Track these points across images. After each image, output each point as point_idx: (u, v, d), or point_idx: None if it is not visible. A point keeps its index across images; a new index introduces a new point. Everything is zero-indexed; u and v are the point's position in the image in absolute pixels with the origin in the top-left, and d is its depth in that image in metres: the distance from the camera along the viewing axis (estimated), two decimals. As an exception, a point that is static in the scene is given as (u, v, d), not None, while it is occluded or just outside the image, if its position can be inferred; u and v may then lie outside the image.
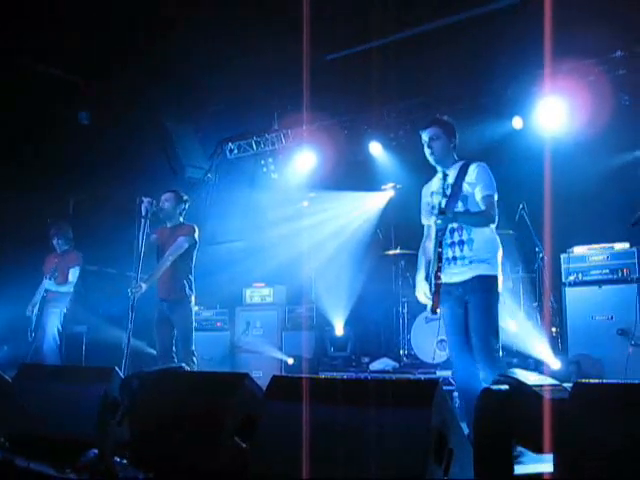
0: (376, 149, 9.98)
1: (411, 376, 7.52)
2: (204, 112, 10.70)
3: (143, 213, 6.41)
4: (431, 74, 9.14)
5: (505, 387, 3.13)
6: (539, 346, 7.34)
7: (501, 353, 4.76)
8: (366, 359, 8.92)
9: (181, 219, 6.73)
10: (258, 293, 9.85)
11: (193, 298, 6.58)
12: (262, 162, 10.76)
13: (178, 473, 3.44)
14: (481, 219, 4.81)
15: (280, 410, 3.23)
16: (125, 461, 3.68)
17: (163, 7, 8.20)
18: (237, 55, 9.05)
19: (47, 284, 8.04)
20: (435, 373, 7.77)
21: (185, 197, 6.79)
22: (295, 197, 10.60)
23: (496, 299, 4.73)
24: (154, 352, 6.81)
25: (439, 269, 4.72)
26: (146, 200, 6.44)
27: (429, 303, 4.75)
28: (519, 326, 7.78)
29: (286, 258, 9.36)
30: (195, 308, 6.71)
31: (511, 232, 8.47)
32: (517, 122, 8.98)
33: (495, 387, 3.14)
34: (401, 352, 8.63)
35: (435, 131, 5.01)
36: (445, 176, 4.90)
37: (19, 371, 4.78)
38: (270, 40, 8.52)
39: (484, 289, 4.71)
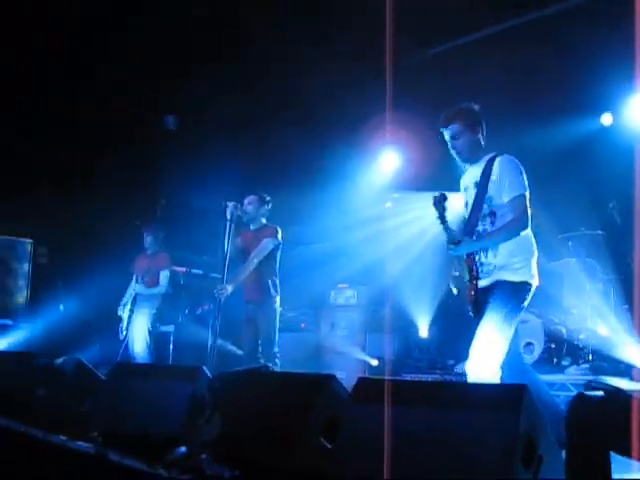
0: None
1: (438, 377, 7.39)
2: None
3: (228, 217, 6.51)
4: (519, 69, 8.97)
5: (600, 393, 3.02)
6: (631, 350, 7.09)
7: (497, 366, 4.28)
8: (451, 361, 8.81)
9: (264, 221, 6.80)
10: (342, 294, 9.85)
11: (278, 299, 6.64)
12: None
13: (263, 471, 3.47)
14: (507, 234, 4.38)
15: (365, 412, 3.22)
16: (211, 459, 3.73)
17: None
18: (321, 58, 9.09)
19: (138, 288, 8.21)
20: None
21: (267, 199, 6.86)
22: (379, 198, 10.57)
23: (513, 306, 4.34)
24: (240, 352, 6.91)
25: (472, 278, 4.51)
26: (231, 204, 6.54)
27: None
28: (610, 330, 7.55)
29: (370, 259, 9.33)
30: (279, 309, 6.76)
31: (600, 232, 8.25)
32: (607, 119, 8.74)
33: (590, 393, 3.04)
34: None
35: (457, 127, 4.63)
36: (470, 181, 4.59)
37: (112, 369, 4.93)
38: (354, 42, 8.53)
39: (501, 295, 4.37)
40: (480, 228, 4.54)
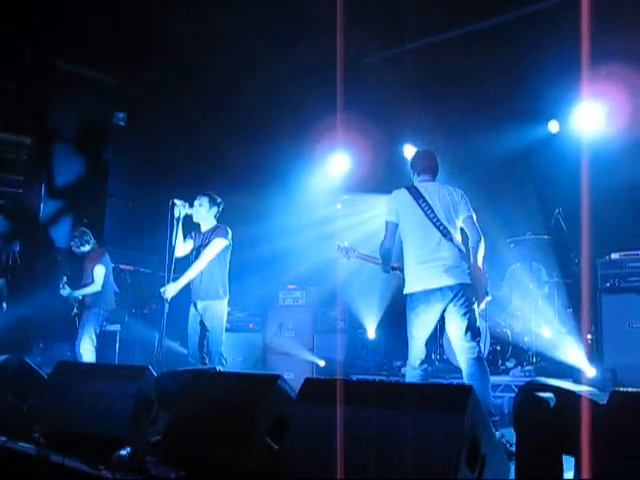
0: (410, 152, 9.94)
1: (443, 380, 7.46)
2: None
3: (175, 215, 6.47)
4: (468, 77, 9.10)
5: (550, 395, 3.07)
6: (574, 353, 7.25)
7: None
8: (398, 362, 8.88)
9: (215, 222, 6.77)
10: (291, 295, 9.85)
11: (226, 300, 6.61)
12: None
13: (209, 473, 3.46)
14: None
15: (312, 412, 3.23)
16: (157, 459, 3.70)
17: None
18: (270, 57, 9.09)
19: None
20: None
21: (219, 200, 6.82)
22: (329, 200, 10.60)
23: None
24: (186, 352, 6.86)
25: None
26: (178, 202, 6.49)
27: None
28: (553, 332, 7.71)
29: (320, 261, 9.35)
30: (227, 309, 6.74)
31: (546, 237, 8.40)
32: (554, 126, 8.91)
33: (542, 395, 3.08)
34: (433, 356, 8.56)
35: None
36: None
37: (55, 368, 4.84)
38: (304, 42, 8.54)
39: None
40: None
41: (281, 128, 10.27)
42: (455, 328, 5.01)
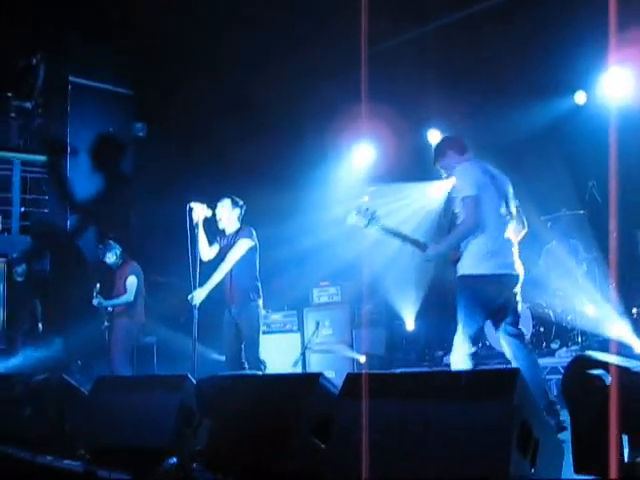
0: (435, 136, 9.87)
1: (487, 367, 7.41)
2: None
3: (195, 220, 6.47)
4: (489, 55, 9.00)
5: (602, 372, 3.01)
6: (620, 328, 7.15)
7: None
8: (440, 352, 8.83)
9: (238, 224, 6.77)
10: (325, 292, 9.84)
11: (260, 302, 6.60)
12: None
13: (256, 476, 3.46)
14: (456, 234, 4.95)
15: (356, 408, 3.20)
16: (203, 467, 3.71)
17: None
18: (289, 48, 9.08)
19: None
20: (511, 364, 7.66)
21: (241, 203, 6.82)
22: (355, 192, 10.56)
23: (465, 299, 4.89)
24: (223, 359, 6.87)
25: None
26: (196, 205, 6.48)
27: None
28: (597, 309, 7.60)
29: (351, 255, 9.32)
30: (262, 312, 6.74)
31: (582, 212, 8.29)
32: (580, 97, 8.79)
33: (594, 372, 3.01)
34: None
35: (440, 165, 5.32)
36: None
37: (94, 384, 4.88)
38: (325, 31, 8.52)
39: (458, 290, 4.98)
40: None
41: (302, 121, 10.25)
42: (509, 315, 4.98)
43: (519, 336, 4.98)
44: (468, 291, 4.87)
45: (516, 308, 5.04)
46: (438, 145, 5.43)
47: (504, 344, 5.02)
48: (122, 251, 8.50)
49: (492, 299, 4.86)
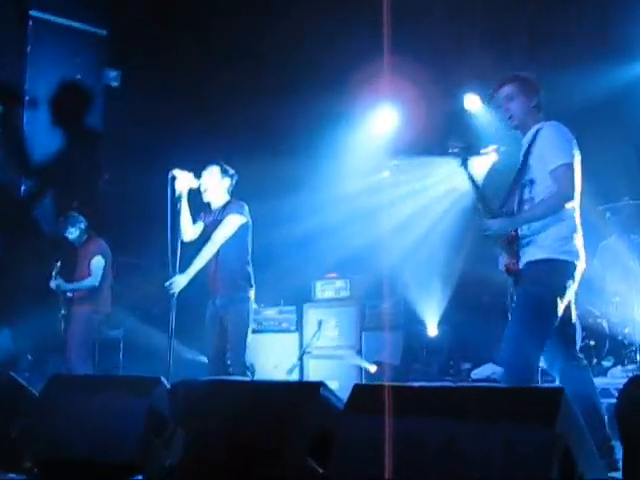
0: (473, 103, 9.85)
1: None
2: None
3: (177, 191, 6.45)
4: (542, 6, 8.97)
5: None
6: None
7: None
8: (467, 365, 8.86)
9: (227, 197, 6.75)
10: (331, 286, 9.85)
11: (252, 293, 6.60)
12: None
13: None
14: (545, 208, 4.69)
15: (363, 426, 3.22)
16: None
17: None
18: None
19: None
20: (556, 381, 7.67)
21: (231, 172, 6.79)
22: (374, 166, 10.54)
23: (544, 293, 4.61)
24: (204, 359, 6.89)
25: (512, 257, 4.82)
26: (181, 174, 6.46)
27: None
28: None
29: (365, 242, 9.32)
30: (254, 306, 6.74)
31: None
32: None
33: None
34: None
35: (511, 89, 4.98)
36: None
37: (47, 384, 4.89)
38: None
39: (530, 279, 4.67)
40: (517, 199, 4.85)
41: (311, 78, 10.20)
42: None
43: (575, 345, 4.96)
44: (547, 281, 4.65)
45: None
46: (511, 80, 5.04)
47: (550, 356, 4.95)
48: (87, 226, 8.52)
49: (565, 293, 4.68)
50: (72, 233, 8.42)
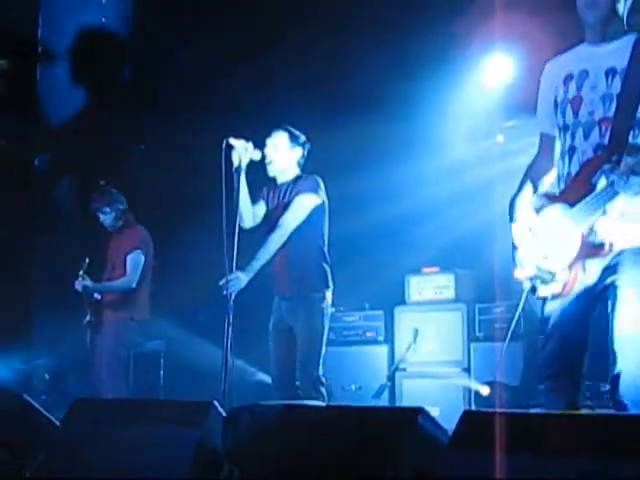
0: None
1: None
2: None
3: (235, 164, 6.44)
4: None
5: None
6: None
7: None
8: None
9: (297, 171, 6.76)
10: (430, 283, 9.81)
11: (329, 294, 6.61)
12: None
13: None
14: None
15: (473, 465, 3.20)
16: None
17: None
18: None
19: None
20: None
21: (303, 139, 6.80)
22: (483, 130, 10.49)
23: None
24: (267, 378, 6.93)
25: None
26: (238, 143, 6.44)
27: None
28: None
29: (473, 227, 9.28)
30: (331, 310, 6.75)
31: None
32: None
33: None
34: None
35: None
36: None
37: (70, 409, 4.96)
38: None
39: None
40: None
41: (404, 19, 10.16)
42: None
43: None
44: None
45: None
46: None
47: None
48: (126, 208, 8.49)
49: None
50: (107, 214, 8.37)
